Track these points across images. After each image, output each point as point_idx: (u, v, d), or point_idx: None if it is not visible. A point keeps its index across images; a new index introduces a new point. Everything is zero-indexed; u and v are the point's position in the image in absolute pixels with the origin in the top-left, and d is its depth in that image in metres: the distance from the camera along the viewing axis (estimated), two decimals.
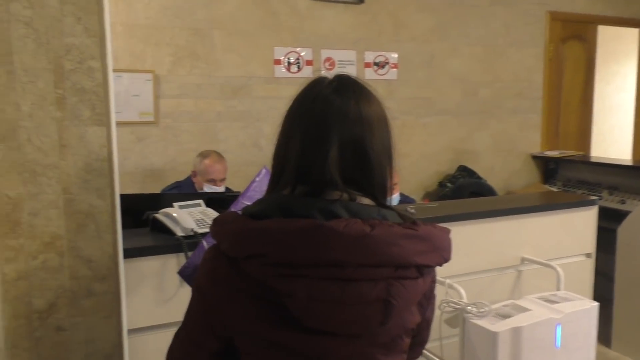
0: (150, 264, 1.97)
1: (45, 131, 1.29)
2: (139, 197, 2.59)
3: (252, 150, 4.07)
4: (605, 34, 5.62)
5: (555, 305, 2.29)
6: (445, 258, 0.98)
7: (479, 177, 4.74)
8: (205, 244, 1.30)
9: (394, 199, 3.28)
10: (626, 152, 6.07)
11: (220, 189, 3.22)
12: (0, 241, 1.28)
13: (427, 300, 1.02)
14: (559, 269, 2.55)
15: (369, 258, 0.89)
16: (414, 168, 4.67)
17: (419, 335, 1.06)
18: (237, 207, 1.29)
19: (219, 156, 3.33)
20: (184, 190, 3.21)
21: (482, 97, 4.89)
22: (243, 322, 0.94)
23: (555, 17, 5.22)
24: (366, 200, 0.97)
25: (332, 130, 0.94)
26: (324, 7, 4.19)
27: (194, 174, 3.28)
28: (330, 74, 1.03)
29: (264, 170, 1.36)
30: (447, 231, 1.00)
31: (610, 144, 6.38)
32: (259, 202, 0.98)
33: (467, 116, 4.84)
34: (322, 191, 0.95)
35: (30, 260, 1.32)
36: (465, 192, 4.45)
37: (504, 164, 5.11)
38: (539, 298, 2.37)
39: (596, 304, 2.33)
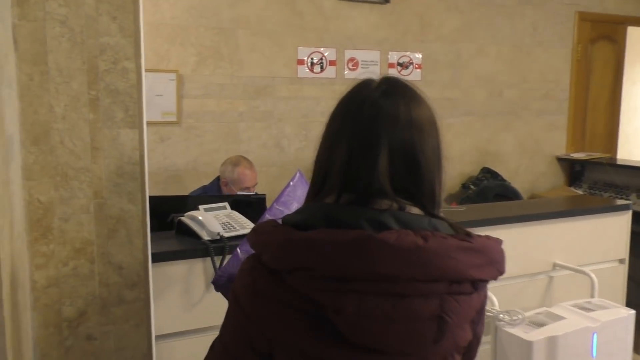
0: (177, 269, 1.93)
1: (78, 133, 1.26)
2: (164, 199, 2.56)
3: (274, 151, 4.03)
4: (633, 35, 5.49)
5: (591, 314, 2.22)
6: (500, 271, 0.93)
7: (503, 180, 4.65)
8: (239, 252, 1.26)
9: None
10: None
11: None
12: (31, 247, 1.25)
13: (479, 316, 0.97)
14: (592, 275, 2.47)
15: (422, 272, 0.84)
16: None
17: (469, 352, 1.00)
18: (272, 213, 1.25)
19: (249, 162, 3.25)
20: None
21: (508, 97, 4.80)
22: (285, 337, 0.89)
23: (585, 18, 5.11)
24: (415, 210, 0.92)
25: (381, 136, 0.90)
26: (349, 7, 4.14)
27: (225, 183, 3.18)
28: (377, 76, 0.98)
29: (297, 174, 1.32)
30: (500, 242, 0.95)
31: (635, 145, 6.23)
32: (301, 211, 0.94)
33: (492, 117, 4.75)
34: (369, 200, 0.90)
35: (61, 267, 1.29)
36: (489, 194, 4.37)
37: (529, 166, 5.02)
38: (574, 306, 2.30)
39: (632, 312, 2.26)
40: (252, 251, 0.97)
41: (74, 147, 1.26)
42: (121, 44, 1.26)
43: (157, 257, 1.88)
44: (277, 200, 1.28)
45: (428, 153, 0.92)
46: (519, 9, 4.79)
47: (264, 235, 0.94)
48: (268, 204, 3.52)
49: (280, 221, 0.97)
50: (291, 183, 1.30)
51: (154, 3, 3.57)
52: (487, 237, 0.93)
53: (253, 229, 0.99)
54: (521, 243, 2.55)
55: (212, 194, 3.19)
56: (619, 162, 4.85)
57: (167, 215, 2.44)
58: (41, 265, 1.27)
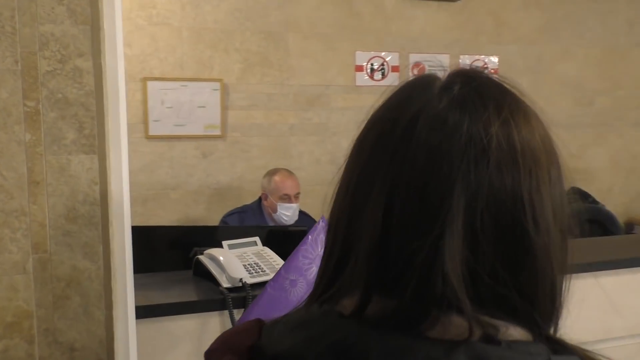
0: (185, 325, 1.54)
1: (9, 162, 0.88)
2: (188, 230, 2.18)
3: (328, 168, 3.62)
4: None
5: None
6: None
7: (594, 201, 4.06)
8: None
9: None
10: None
11: (295, 207, 2.81)
12: None
13: None
14: None
15: None
16: None
17: None
18: (276, 285, 0.82)
19: (289, 172, 2.99)
20: (249, 217, 2.82)
21: (599, 107, 4.20)
22: None
23: None
24: (517, 333, 0.46)
25: (451, 184, 0.45)
26: (414, 6, 3.68)
27: (265, 196, 2.91)
28: (443, 71, 0.53)
29: (321, 223, 0.89)
30: None
31: None
32: (293, 328, 0.50)
33: (580, 129, 4.16)
34: (424, 316, 0.45)
35: None
36: (579, 220, 3.75)
37: (625, 185, 4.38)
38: None
39: None
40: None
41: (3, 180, 0.89)
42: (71, 35, 0.88)
43: (160, 310, 1.49)
44: (288, 262, 0.85)
45: (546, 215, 0.47)
46: (612, 4, 4.18)
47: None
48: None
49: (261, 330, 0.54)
50: (309, 237, 0.87)
51: (195, 5, 3.26)
52: None
53: (219, 340, 0.57)
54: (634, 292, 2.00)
55: (251, 215, 2.84)
56: None
57: (189, 249, 2.07)
58: None
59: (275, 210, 2.83)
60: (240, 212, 2.95)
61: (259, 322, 0.57)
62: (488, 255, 0.45)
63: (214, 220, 3.40)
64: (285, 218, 2.81)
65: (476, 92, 0.49)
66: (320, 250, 0.88)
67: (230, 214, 2.94)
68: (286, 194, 2.82)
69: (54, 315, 0.95)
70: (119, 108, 1.02)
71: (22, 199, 0.90)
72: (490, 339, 0.44)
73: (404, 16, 3.70)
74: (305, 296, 0.85)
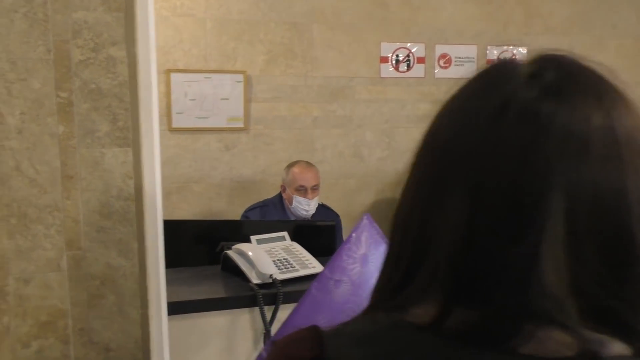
0: (215, 321, 1.51)
1: (42, 155, 0.85)
2: (213, 224, 2.15)
3: (352, 161, 3.57)
4: None
5: None
6: None
7: None
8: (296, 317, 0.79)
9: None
10: None
11: (314, 201, 2.75)
12: None
13: None
14: None
15: None
16: None
17: None
18: (320, 285, 0.77)
19: (308, 163, 2.93)
20: (271, 211, 2.77)
21: (635, 100, 4.05)
22: None
23: None
24: (619, 347, 0.41)
25: (550, 185, 0.40)
26: None
27: (283, 188, 2.88)
28: (522, 56, 0.47)
29: (364, 221, 0.83)
30: None
31: None
32: (360, 343, 0.45)
33: None
34: (516, 330, 0.40)
35: (20, 349, 0.88)
36: None
37: None
38: None
39: None
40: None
41: (36, 174, 0.85)
42: (105, 22, 0.84)
43: (191, 307, 1.46)
44: (331, 263, 0.80)
45: None
46: None
47: None
48: (344, 230, 3.04)
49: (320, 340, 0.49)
50: (354, 234, 0.82)
51: None
52: None
53: (276, 350, 0.52)
54: None
55: (272, 209, 2.80)
56: None
57: (216, 243, 2.04)
58: None
59: (291, 203, 2.78)
60: (262, 206, 2.90)
61: (315, 330, 0.52)
62: (592, 263, 0.39)
63: (236, 213, 3.37)
64: (301, 211, 2.75)
65: (571, 80, 0.43)
66: (364, 249, 0.84)
67: (252, 208, 2.89)
68: (302, 186, 2.76)
69: (89, 315, 0.92)
70: (151, 100, 0.98)
71: (56, 193, 0.87)
72: (593, 355, 0.39)
73: (431, 6, 3.61)
74: (351, 297, 0.79)
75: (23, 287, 0.88)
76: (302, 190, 2.76)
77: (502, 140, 0.41)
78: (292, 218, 2.82)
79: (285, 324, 0.82)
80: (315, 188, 2.80)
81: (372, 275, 0.80)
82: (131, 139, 0.89)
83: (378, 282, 0.51)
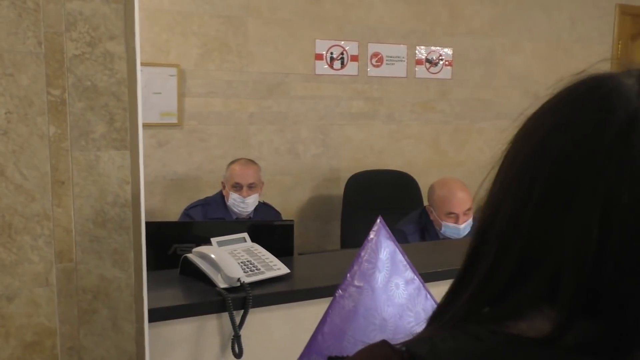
0: (181, 329, 1.45)
1: (30, 158, 0.77)
2: (162, 225, 2.05)
3: (287, 157, 3.55)
4: None
5: None
6: None
7: None
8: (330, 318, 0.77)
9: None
10: None
11: (250, 199, 2.72)
12: None
13: None
14: None
15: None
16: (467, 179, 4.10)
17: None
18: (345, 294, 0.76)
19: (248, 161, 2.90)
20: (213, 209, 2.70)
21: (545, 99, 4.34)
22: None
23: (625, 12, 4.65)
24: None
25: None
26: None
27: (223, 185, 2.84)
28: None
29: (378, 223, 0.83)
30: None
31: None
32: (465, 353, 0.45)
33: None
34: None
35: None
36: None
37: None
38: None
39: None
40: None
41: (22, 180, 0.77)
42: (102, 14, 0.77)
43: (155, 315, 1.39)
44: (352, 269, 0.79)
45: None
46: (556, 1, 4.32)
47: None
48: (297, 229, 3.02)
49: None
50: (370, 237, 0.81)
51: None
52: None
53: None
54: None
55: (214, 207, 2.73)
56: None
57: (167, 246, 1.95)
58: None
59: (228, 200, 2.73)
60: (204, 204, 2.83)
61: (390, 346, 0.50)
62: None
63: (171, 212, 3.25)
64: (236, 208, 2.71)
65: None
66: (380, 253, 0.83)
67: (194, 206, 2.81)
68: (238, 183, 2.73)
69: (80, 332, 0.84)
70: (137, 98, 0.91)
71: (45, 201, 0.78)
72: None
73: (363, 5, 3.66)
74: (372, 303, 0.78)
75: (6, 305, 0.79)
76: (238, 188, 2.72)
77: (633, 153, 0.42)
78: (234, 216, 2.77)
79: (316, 333, 0.80)
80: (252, 186, 2.76)
81: (387, 280, 0.80)
82: (129, 141, 0.82)
83: (461, 290, 0.51)
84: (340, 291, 0.80)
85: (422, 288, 0.84)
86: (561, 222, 0.43)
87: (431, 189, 2.64)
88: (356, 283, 0.79)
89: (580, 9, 4.44)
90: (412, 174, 3.67)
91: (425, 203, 2.77)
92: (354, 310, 0.76)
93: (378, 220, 0.86)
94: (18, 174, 0.77)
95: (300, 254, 2.26)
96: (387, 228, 0.84)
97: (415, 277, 0.85)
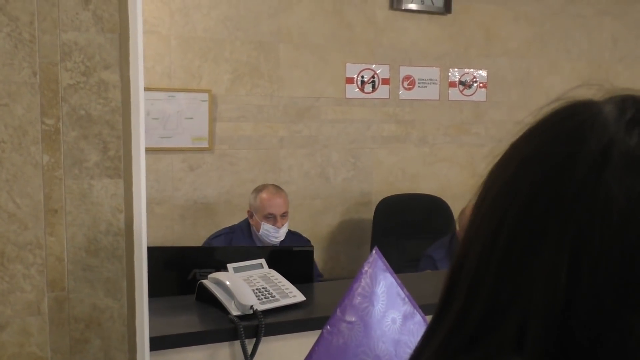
0: (192, 357, 1.43)
1: (24, 187, 0.77)
2: (184, 251, 2.06)
3: (317, 181, 3.54)
4: None
5: None
6: None
7: None
8: (327, 332, 0.74)
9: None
10: None
11: (284, 229, 2.65)
12: None
13: None
14: None
15: None
16: None
17: None
18: (333, 330, 0.73)
19: (277, 188, 2.79)
20: (238, 237, 2.66)
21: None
22: None
23: None
24: None
25: None
26: (405, 17, 3.64)
27: (250, 214, 2.72)
28: (597, 97, 0.45)
29: (374, 254, 0.80)
30: None
31: None
32: None
33: None
34: None
35: None
36: None
37: None
38: None
39: None
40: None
41: (15, 209, 0.77)
42: (97, 44, 0.78)
43: (166, 342, 1.38)
44: (343, 302, 0.76)
45: None
46: (597, 19, 4.21)
47: None
48: (317, 256, 2.95)
49: None
50: (365, 269, 0.78)
51: (184, 14, 3.15)
52: None
53: None
54: None
55: (239, 235, 2.69)
56: None
57: (188, 270, 1.95)
58: None
59: (259, 230, 2.64)
60: (228, 232, 2.77)
61: None
62: None
63: (200, 235, 3.26)
64: (270, 239, 2.61)
65: None
66: (375, 286, 0.79)
67: (217, 235, 2.75)
68: (271, 213, 2.61)
69: None
70: (139, 127, 0.91)
71: (38, 229, 0.79)
72: None
73: (395, 28, 3.65)
74: (364, 340, 0.75)
75: None
76: (271, 218, 2.62)
77: (607, 190, 0.38)
78: (259, 244, 2.71)
79: None
80: (284, 215, 2.66)
81: (382, 314, 0.76)
82: (122, 169, 0.82)
83: (431, 335, 0.47)
84: (328, 327, 0.77)
85: (423, 323, 0.80)
86: (530, 266, 0.39)
87: (462, 213, 2.57)
88: (347, 318, 0.75)
89: (624, 27, 4.31)
90: (445, 199, 3.60)
91: (457, 228, 2.70)
92: (344, 347, 0.72)
93: (374, 251, 0.83)
94: (11, 202, 0.78)
95: (323, 280, 2.23)
96: (384, 259, 0.81)
97: (416, 311, 0.81)
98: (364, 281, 0.79)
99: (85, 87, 0.80)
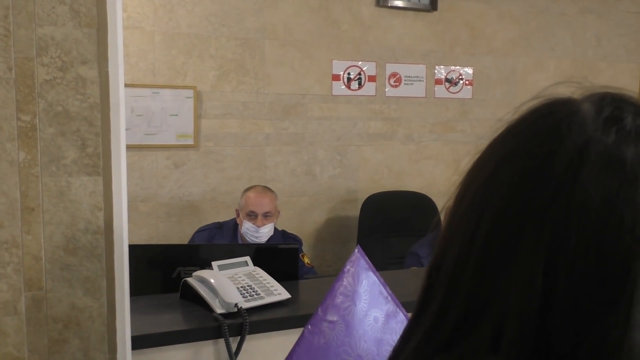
0: (176, 356, 1.42)
1: (0, 185, 0.75)
2: (168, 248, 2.04)
3: (304, 179, 3.53)
4: None
5: None
6: None
7: None
8: (308, 331, 0.74)
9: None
10: None
11: (265, 229, 2.60)
12: None
13: None
14: None
15: None
16: None
17: None
18: (314, 329, 0.72)
19: (266, 189, 2.77)
20: (225, 234, 2.64)
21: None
22: None
23: None
24: None
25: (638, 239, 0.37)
26: (391, 15, 3.63)
27: (237, 212, 2.72)
28: (577, 94, 0.45)
29: (356, 252, 0.79)
30: None
31: None
32: None
33: None
34: None
35: None
36: None
37: None
38: None
39: None
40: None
41: None
42: (74, 39, 0.76)
43: (149, 341, 1.37)
44: (324, 302, 0.75)
45: None
46: (581, 18, 4.24)
47: None
48: (313, 251, 2.93)
49: None
50: (347, 268, 0.77)
51: (168, 9, 3.12)
52: None
53: None
54: None
55: (227, 232, 2.68)
56: None
57: (173, 268, 1.94)
58: None
59: (242, 228, 2.64)
60: (213, 228, 2.76)
61: None
62: None
63: (185, 233, 3.24)
64: (250, 237, 2.59)
65: None
66: (357, 285, 0.79)
67: (202, 230, 2.74)
68: (253, 211, 2.59)
69: None
70: (120, 123, 0.90)
71: (14, 228, 0.77)
72: None
73: (381, 25, 3.64)
74: (345, 339, 0.74)
75: None
76: (253, 216, 2.60)
77: (582, 190, 0.37)
78: (241, 242, 2.68)
79: None
80: (267, 215, 2.62)
81: (364, 313, 0.76)
82: (101, 166, 0.81)
83: (409, 336, 0.47)
84: (309, 326, 0.76)
85: (406, 321, 0.79)
86: (506, 266, 0.39)
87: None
88: (329, 318, 0.75)
89: (606, 26, 4.34)
90: (431, 196, 3.61)
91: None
92: (325, 347, 0.72)
93: (356, 250, 0.82)
94: None
95: (307, 278, 2.22)
96: (367, 258, 0.80)
97: (399, 309, 0.81)
98: (346, 280, 0.78)
99: (62, 83, 0.78)
